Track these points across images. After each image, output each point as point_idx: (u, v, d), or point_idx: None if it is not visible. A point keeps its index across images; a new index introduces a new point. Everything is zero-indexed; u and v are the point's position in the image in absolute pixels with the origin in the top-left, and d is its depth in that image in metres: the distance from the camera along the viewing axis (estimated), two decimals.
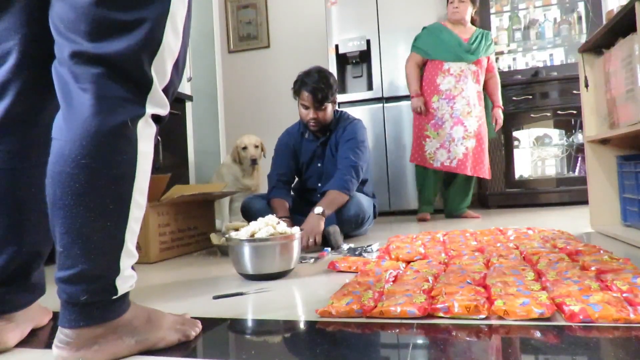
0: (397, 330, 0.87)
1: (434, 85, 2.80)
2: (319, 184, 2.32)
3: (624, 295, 0.93)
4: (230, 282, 1.38)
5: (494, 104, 2.88)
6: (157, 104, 0.77)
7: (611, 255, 1.25)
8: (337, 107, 2.37)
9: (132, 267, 0.79)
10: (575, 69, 3.00)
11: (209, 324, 0.96)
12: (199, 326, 0.90)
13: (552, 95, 3.25)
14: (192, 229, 2.10)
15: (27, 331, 0.92)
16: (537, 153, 3.52)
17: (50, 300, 0.93)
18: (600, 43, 1.84)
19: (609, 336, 0.77)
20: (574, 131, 3.38)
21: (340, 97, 3.39)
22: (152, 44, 0.73)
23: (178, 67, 0.79)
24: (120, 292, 0.75)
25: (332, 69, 3.36)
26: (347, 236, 2.17)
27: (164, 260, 1.88)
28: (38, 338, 0.93)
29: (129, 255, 0.75)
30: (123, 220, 0.73)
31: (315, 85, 2.12)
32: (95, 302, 0.73)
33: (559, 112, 3.27)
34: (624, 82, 1.63)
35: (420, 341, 0.80)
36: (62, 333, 0.73)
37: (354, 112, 2.96)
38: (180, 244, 2.00)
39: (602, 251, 1.33)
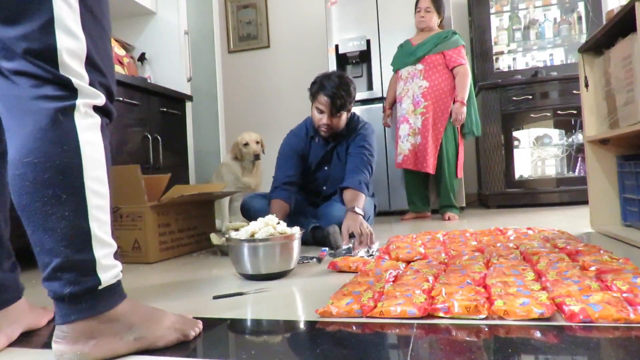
0: (397, 330, 0.87)
1: (396, 93, 3.03)
2: (324, 187, 2.32)
3: (624, 295, 0.93)
4: (230, 282, 1.38)
5: (455, 99, 2.81)
6: (88, 96, 0.77)
7: (611, 255, 1.25)
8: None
9: (116, 258, 0.79)
10: (575, 69, 3.00)
11: (209, 324, 0.96)
12: (199, 326, 0.90)
13: (552, 95, 3.25)
14: (192, 229, 2.10)
15: (15, 334, 0.92)
16: (537, 153, 3.52)
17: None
18: (600, 43, 1.84)
19: (609, 336, 0.77)
20: (574, 131, 3.38)
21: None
22: (48, 51, 0.73)
23: (94, 64, 0.79)
24: (105, 282, 0.76)
25: (332, 69, 3.36)
26: None
27: (164, 260, 1.88)
28: (39, 338, 0.93)
29: (102, 243, 0.76)
30: (81, 208, 0.74)
31: (335, 90, 2.04)
32: (81, 294, 0.74)
33: (559, 112, 3.27)
34: (624, 82, 1.63)
35: (420, 341, 0.80)
36: (58, 329, 0.75)
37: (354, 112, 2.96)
38: (180, 244, 2.00)
39: (602, 251, 1.33)
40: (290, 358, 0.78)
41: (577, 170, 3.37)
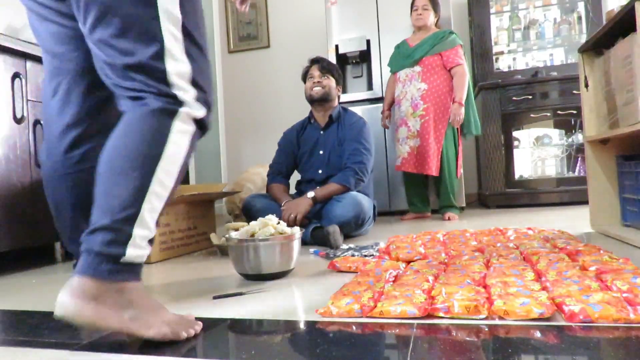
0: (397, 330, 0.87)
1: (395, 95, 3.03)
2: (320, 171, 2.36)
3: (624, 295, 0.93)
4: (230, 282, 1.38)
5: (454, 100, 2.80)
6: (191, 107, 0.91)
7: (611, 255, 1.25)
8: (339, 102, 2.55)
9: (149, 243, 0.87)
10: (575, 69, 3.00)
11: (209, 324, 0.96)
12: (196, 328, 0.90)
13: (552, 95, 3.25)
14: (192, 229, 2.10)
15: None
16: (537, 153, 3.52)
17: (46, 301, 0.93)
18: (600, 43, 1.84)
19: (609, 336, 0.77)
20: (574, 131, 3.38)
21: (340, 97, 3.39)
22: (160, 73, 0.88)
23: (196, 83, 0.93)
24: (128, 257, 0.82)
25: None
26: (347, 236, 2.17)
27: (164, 260, 1.88)
28: (43, 339, 0.93)
29: (144, 225, 0.84)
30: (143, 189, 0.83)
31: (320, 57, 2.47)
32: (105, 256, 0.80)
33: (559, 112, 3.27)
34: (624, 82, 1.63)
35: (420, 341, 0.80)
36: (71, 280, 0.81)
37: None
38: (180, 244, 2.00)
39: (602, 251, 1.33)
40: (290, 358, 0.78)
41: (577, 170, 3.37)
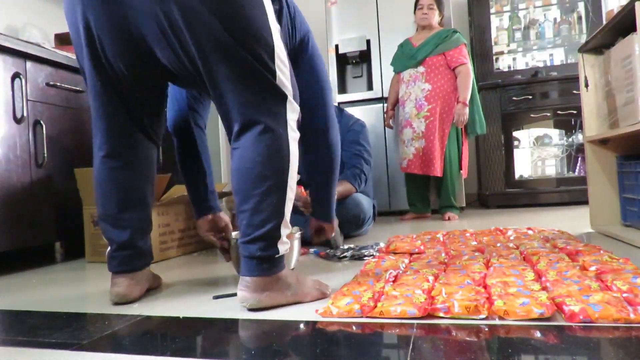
0: (397, 330, 0.87)
1: (399, 95, 3.02)
2: None
3: (624, 295, 0.93)
4: (230, 282, 1.38)
5: (457, 99, 2.79)
6: (294, 110, 1.07)
7: (611, 255, 1.25)
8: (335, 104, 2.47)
9: (288, 237, 1.07)
10: (575, 69, 3.00)
11: (209, 324, 0.96)
12: (329, 288, 1.14)
13: (552, 95, 3.25)
14: (192, 229, 2.10)
15: (144, 289, 1.23)
16: (537, 153, 3.52)
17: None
18: (600, 43, 1.84)
19: (609, 336, 0.77)
20: (574, 131, 3.38)
21: (340, 97, 3.39)
22: (272, 73, 1.02)
23: (293, 83, 1.10)
24: (281, 252, 1.04)
25: (332, 69, 3.37)
26: (347, 236, 2.17)
27: (164, 260, 1.88)
28: (50, 340, 0.93)
29: (285, 225, 1.05)
30: (283, 198, 1.02)
31: None
32: (265, 258, 1.01)
33: (559, 112, 3.27)
34: (624, 82, 1.63)
35: (420, 341, 0.80)
36: (243, 280, 1.03)
37: (354, 112, 2.97)
38: (180, 244, 2.00)
39: (602, 251, 1.33)
40: (290, 358, 0.78)
41: (577, 170, 3.37)
